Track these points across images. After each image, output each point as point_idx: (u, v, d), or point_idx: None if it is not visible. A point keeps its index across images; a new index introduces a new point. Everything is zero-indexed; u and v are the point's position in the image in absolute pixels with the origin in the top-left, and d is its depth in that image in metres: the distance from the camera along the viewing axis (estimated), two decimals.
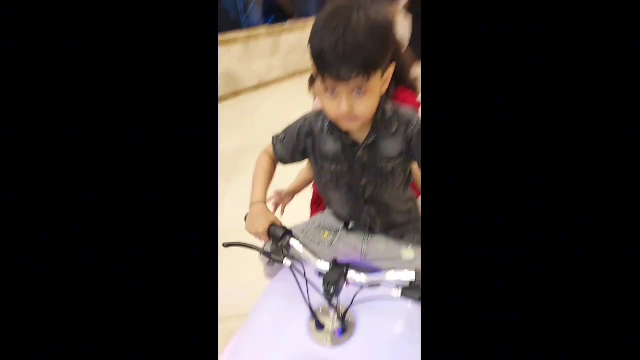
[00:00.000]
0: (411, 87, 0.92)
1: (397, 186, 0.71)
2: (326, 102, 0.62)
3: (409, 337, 0.63)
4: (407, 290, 0.56)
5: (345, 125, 0.64)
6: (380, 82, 0.60)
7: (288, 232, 0.66)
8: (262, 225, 0.66)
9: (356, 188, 0.72)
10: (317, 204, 1.05)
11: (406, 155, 0.68)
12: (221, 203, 1.76)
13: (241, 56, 4.11)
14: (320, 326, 0.63)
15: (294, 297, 0.64)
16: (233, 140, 2.87)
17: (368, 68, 0.56)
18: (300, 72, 4.86)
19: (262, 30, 4.41)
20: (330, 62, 0.55)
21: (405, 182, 0.74)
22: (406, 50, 0.98)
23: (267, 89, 4.52)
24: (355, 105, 0.59)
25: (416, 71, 0.96)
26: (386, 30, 0.58)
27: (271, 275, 0.88)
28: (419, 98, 0.92)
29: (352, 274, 0.61)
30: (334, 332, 0.62)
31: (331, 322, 0.62)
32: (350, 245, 0.78)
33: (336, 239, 0.80)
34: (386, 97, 0.68)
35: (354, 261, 0.72)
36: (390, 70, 0.62)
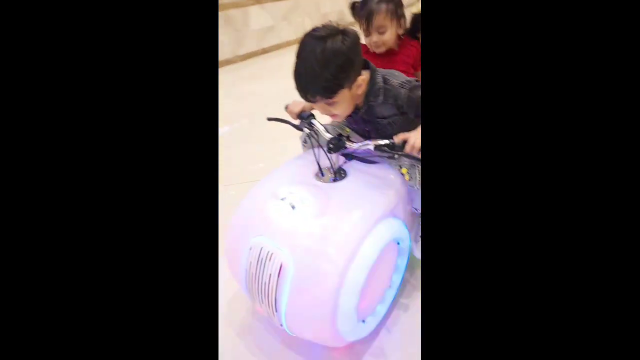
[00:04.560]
0: (416, 38, 1.24)
1: (397, 129, 0.94)
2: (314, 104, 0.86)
3: (380, 185, 0.93)
4: (378, 146, 0.85)
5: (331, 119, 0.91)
6: (349, 92, 0.80)
7: (312, 115, 0.99)
8: (297, 108, 1.01)
9: (362, 131, 1.02)
10: None
11: (399, 115, 0.92)
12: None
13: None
14: (322, 175, 0.96)
15: (308, 162, 0.98)
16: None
17: (327, 91, 0.76)
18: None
19: None
20: (300, 87, 0.78)
21: (407, 124, 0.95)
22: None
23: None
24: (330, 110, 0.83)
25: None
26: (343, 58, 0.74)
27: None
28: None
29: (348, 143, 0.92)
30: (330, 178, 0.94)
31: (330, 172, 0.95)
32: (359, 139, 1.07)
33: (353, 133, 1.11)
34: (375, 71, 0.89)
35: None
36: (361, 78, 0.82)
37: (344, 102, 0.83)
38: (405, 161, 0.97)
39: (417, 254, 1.14)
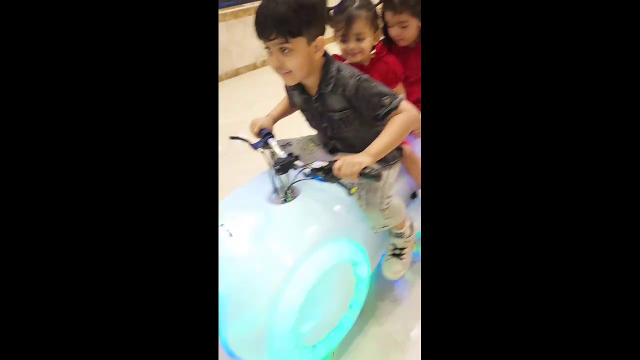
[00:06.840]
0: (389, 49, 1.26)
1: (353, 130, 0.94)
2: (268, 59, 0.85)
3: (332, 205, 0.91)
4: (314, 171, 0.83)
5: (283, 79, 0.89)
6: (306, 47, 0.80)
7: (269, 134, 1.00)
8: (256, 126, 1.02)
9: (321, 128, 1.01)
10: None
11: (351, 110, 0.90)
12: None
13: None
14: (277, 194, 0.96)
15: (266, 184, 0.98)
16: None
17: (284, 32, 0.76)
18: None
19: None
20: (258, 23, 0.78)
21: (364, 127, 0.93)
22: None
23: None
24: (284, 62, 0.81)
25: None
26: (308, 7, 0.76)
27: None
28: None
29: (297, 163, 0.91)
30: (281, 199, 0.94)
31: (282, 193, 0.94)
32: (320, 156, 1.06)
33: (316, 148, 1.10)
34: (331, 59, 0.90)
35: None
36: (320, 40, 0.82)
37: (299, 57, 0.81)
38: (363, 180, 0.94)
39: (388, 274, 1.09)
